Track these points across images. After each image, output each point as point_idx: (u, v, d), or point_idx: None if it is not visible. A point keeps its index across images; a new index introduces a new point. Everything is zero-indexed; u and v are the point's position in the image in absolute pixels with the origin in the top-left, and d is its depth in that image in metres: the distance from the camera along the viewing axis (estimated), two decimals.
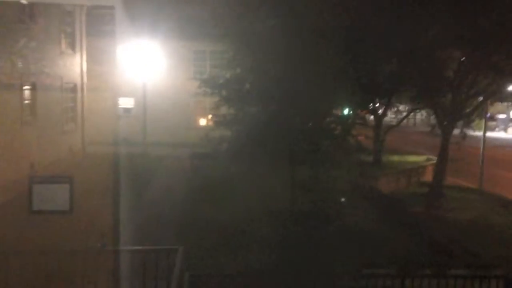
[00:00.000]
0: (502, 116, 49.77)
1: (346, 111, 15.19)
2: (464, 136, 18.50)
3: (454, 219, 15.97)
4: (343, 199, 13.08)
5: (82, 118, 20.68)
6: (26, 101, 14.75)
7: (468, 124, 19.51)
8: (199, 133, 13.05)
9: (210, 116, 22.51)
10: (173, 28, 24.22)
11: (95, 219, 10.08)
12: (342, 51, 11.53)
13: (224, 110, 13.12)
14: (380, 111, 23.75)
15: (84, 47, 20.86)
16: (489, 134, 26.87)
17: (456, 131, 18.80)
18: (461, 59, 17.30)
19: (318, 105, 12.01)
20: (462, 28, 14.53)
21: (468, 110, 18.65)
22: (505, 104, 38.39)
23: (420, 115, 47.26)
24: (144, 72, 23.22)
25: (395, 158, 24.74)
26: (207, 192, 14.53)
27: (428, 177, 21.86)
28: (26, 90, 14.73)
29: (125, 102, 26.36)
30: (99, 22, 23.28)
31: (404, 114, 28.51)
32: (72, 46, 19.44)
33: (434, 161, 20.73)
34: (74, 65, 19.67)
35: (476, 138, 21.91)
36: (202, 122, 26.62)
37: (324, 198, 11.76)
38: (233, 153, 12.34)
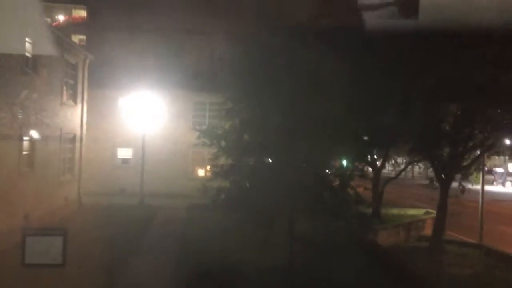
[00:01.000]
0: (499, 170, 49.88)
1: (344, 163, 15.20)
2: (463, 190, 18.42)
3: (456, 274, 15.64)
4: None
5: (79, 168, 20.64)
6: (25, 152, 14.76)
7: (466, 177, 19.48)
8: (197, 184, 12.99)
9: (208, 167, 22.51)
10: (173, 80, 24.67)
11: (88, 273, 9.85)
12: (340, 104, 11.67)
13: (222, 160, 13.13)
14: (378, 163, 23.79)
15: (85, 98, 21.14)
16: (488, 188, 26.81)
17: (454, 184, 18.74)
18: (457, 113, 17.50)
19: (317, 157, 12.02)
20: (457, 82, 14.78)
21: (465, 163, 18.68)
22: (502, 158, 38.56)
23: (418, 168, 47.30)
24: (143, 123, 23.43)
25: (394, 211, 24.55)
26: (203, 244, 14.29)
27: (428, 231, 21.58)
28: (25, 140, 14.77)
29: (124, 153, 26.41)
30: (101, 74, 23.71)
31: (402, 166, 28.55)
32: (73, 97, 19.71)
33: (433, 215, 20.54)
34: (74, 116, 19.87)
35: (474, 191, 21.82)
36: (201, 172, 26.57)
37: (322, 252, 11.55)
38: (231, 204, 12.23)
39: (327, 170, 12.95)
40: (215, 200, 12.30)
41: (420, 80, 15.14)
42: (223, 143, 12.85)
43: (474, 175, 22.89)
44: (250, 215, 11.80)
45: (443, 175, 17.95)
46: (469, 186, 20.03)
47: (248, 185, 12.13)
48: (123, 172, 25.59)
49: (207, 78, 14.04)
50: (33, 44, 14.93)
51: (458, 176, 19.06)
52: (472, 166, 19.71)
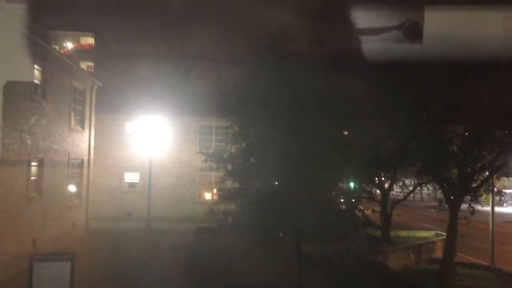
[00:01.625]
0: (509, 191, 49.46)
1: (352, 185, 15.11)
2: (472, 212, 18.19)
3: None
4: None
5: (87, 193, 20.66)
6: (33, 177, 14.83)
7: (475, 198, 19.27)
8: (204, 207, 12.96)
9: (215, 190, 22.43)
10: (180, 104, 24.85)
11: None
12: (347, 126, 11.68)
13: (229, 184, 13.11)
14: (386, 185, 23.64)
15: (93, 123, 21.30)
16: (497, 209, 26.49)
17: (464, 206, 18.53)
18: (465, 134, 17.41)
19: (324, 179, 11.97)
20: (464, 103, 14.75)
21: (475, 184, 18.50)
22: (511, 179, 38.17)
23: (427, 189, 46.93)
24: (150, 147, 23.53)
25: (404, 233, 24.30)
26: (210, 267, 14.19)
27: (438, 253, 21.28)
28: (34, 166, 14.85)
29: (131, 177, 26.45)
30: (108, 100, 23.95)
31: (411, 188, 28.34)
32: (81, 123, 19.87)
33: (443, 237, 20.26)
34: (82, 141, 19.99)
35: (484, 212, 21.57)
36: (208, 196, 26.50)
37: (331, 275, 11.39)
38: (238, 227, 12.17)
39: (334, 192, 12.88)
40: (222, 223, 12.25)
41: (426, 101, 15.15)
42: (229, 167, 12.85)
43: (484, 196, 22.69)
44: (258, 238, 11.72)
45: (452, 197, 17.77)
46: (479, 207, 19.81)
47: (255, 208, 12.06)
48: (130, 197, 25.60)
49: (213, 103, 14.14)
50: (42, 71, 15.23)
51: (468, 197, 18.86)
52: (481, 188, 19.51)
